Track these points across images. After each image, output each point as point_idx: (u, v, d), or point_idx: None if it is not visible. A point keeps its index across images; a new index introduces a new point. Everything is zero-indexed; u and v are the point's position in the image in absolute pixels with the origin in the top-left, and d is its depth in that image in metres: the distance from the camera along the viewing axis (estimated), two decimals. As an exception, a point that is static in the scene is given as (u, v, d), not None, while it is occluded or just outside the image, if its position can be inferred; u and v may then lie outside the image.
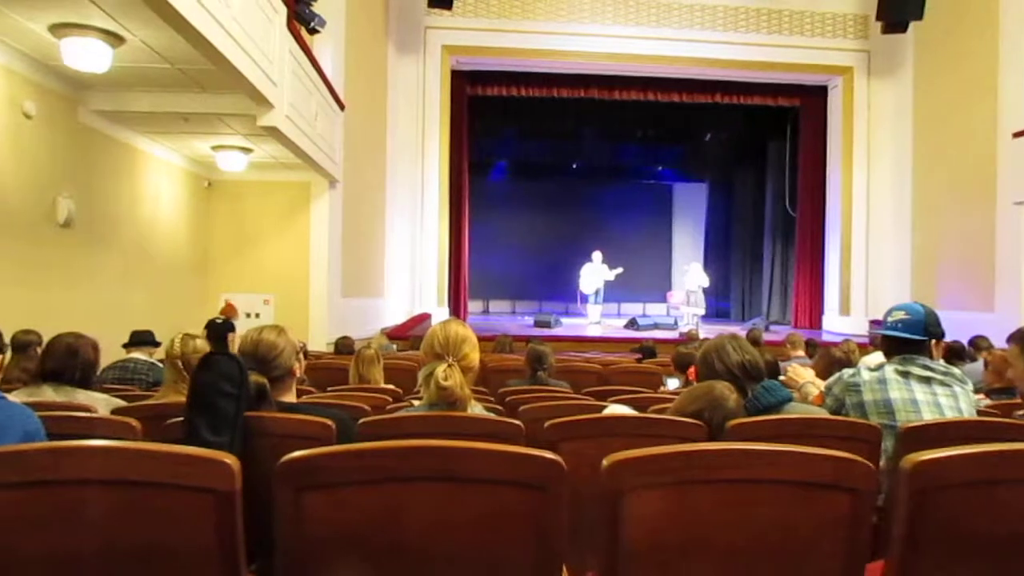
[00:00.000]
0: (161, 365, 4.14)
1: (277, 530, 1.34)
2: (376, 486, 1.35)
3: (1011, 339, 2.72)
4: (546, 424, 2.37)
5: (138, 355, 4.83)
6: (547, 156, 18.28)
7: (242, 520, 1.39)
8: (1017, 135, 9.95)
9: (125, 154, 7.79)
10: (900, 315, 2.83)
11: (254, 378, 2.17)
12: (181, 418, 2.04)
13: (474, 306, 17.21)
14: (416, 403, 2.67)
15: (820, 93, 14.17)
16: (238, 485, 1.34)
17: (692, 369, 3.51)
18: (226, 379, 1.99)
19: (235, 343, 8.77)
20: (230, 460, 1.34)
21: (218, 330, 8.50)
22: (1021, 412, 2.73)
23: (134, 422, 2.24)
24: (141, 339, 5.00)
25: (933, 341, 2.81)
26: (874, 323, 12.71)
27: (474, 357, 2.42)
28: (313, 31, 7.99)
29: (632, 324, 14.22)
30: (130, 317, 5.21)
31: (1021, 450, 1.50)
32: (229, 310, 9.03)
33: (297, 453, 1.33)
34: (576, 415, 2.53)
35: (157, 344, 5.10)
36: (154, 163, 8.42)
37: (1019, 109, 10.00)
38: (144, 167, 8.22)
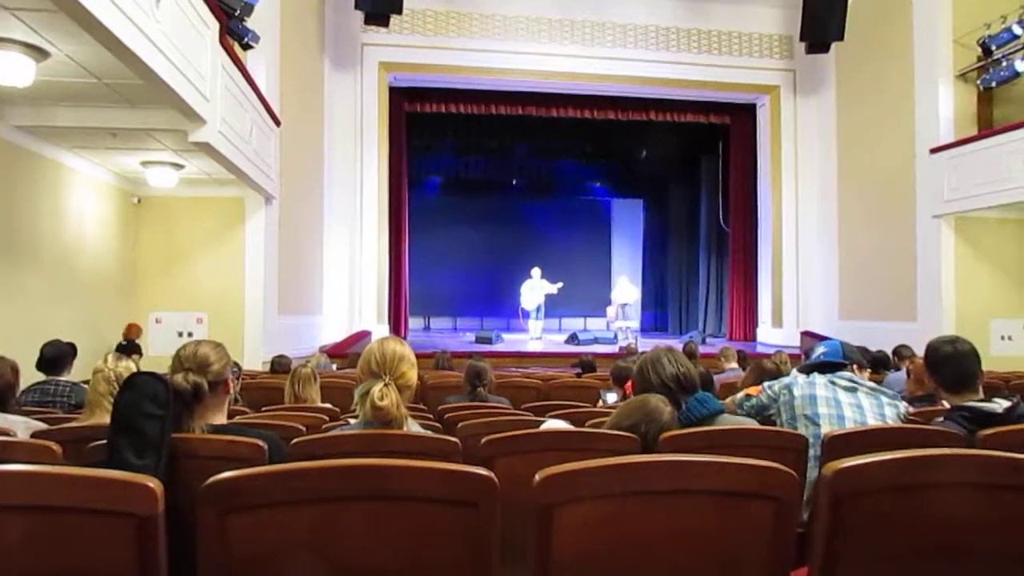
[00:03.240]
0: (83, 386, 3.97)
1: (199, 554, 1.30)
2: (304, 507, 1.33)
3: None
4: (482, 440, 2.37)
5: (58, 377, 4.58)
6: (486, 172, 18.33)
7: (166, 545, 1.35)
8: (934, 151, 10.43)
9: (49, 170, 7.52)
10: (822, 349, 3.22)
11: (192, 378, 2.12)
12: (104, 440, 1.97)
13: (415, 323, 17.08)
14: (352, 421, 2.64)
15: (748, 111, 14.60)
16: (160, 509, 1.30)
17: (629, 383, 3.56)
18: (151, 400, 1.93)
19: (140, 364, 8.45)
20: (152, 483, 1.30)
21: (124, 352, 8.31)
22: (940, 419, 2.85)
23: (54, 445, 2.15)
24: (55, 360, 4.66)
25: (855, 366, 3.13)
26: (805, 334, 13.10)
27: (411, 375, 2.40)
28: (247, 46, 7.88)
29: (572, 339, 14.32)
30: (53, 337, 4.97)
31: (935, 455, 1.57)
32: (130, 331, 8.77)
33: (221, 475, 1.30)
34: (513, 431, 2.54)
35: (73, 353, 4.82)
36: (80, 179, 8.15)
37: (934, 125, 10.50)
38: (69, 183, 7.95)
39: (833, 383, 2.94)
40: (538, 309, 14.82)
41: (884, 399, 2.93)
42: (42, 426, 2.84)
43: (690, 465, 1.42)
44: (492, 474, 1.36)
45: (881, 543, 1.54)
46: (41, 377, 4.61)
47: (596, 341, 13.99)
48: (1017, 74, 9.38)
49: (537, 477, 1.35)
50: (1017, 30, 9.29)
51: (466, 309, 18.95)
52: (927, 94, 10.67)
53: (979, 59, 10.10)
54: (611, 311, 14.99)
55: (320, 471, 1.34)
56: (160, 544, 1.32)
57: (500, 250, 18.55)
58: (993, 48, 9.75)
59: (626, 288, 14.78)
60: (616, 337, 14.18)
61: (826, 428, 2.77)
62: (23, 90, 5.66)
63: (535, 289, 14.78)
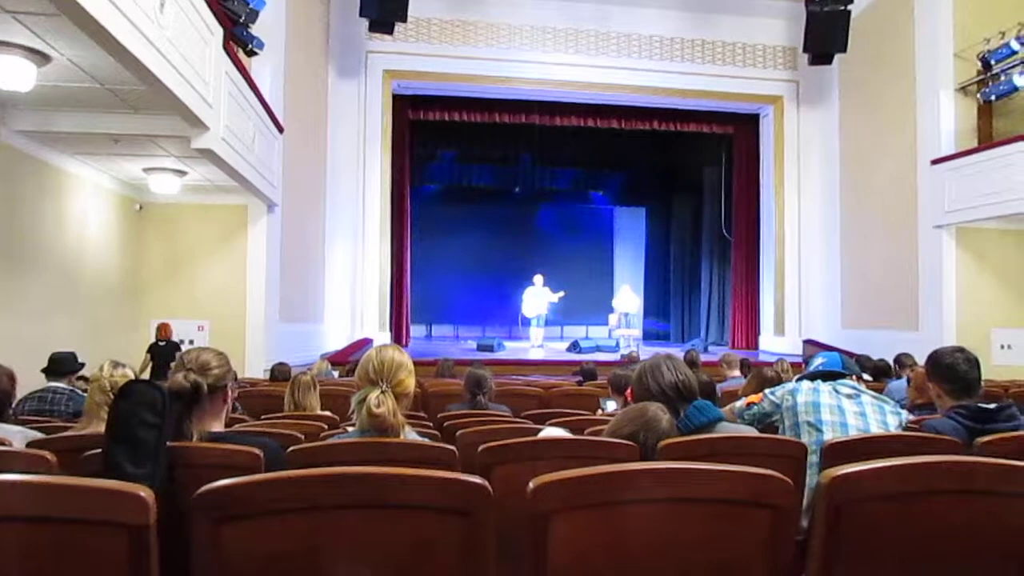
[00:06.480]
0: (82, 393, 3.97)
1: (193, 564, 1.29)
2: (298, 515, 1.32)
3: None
4: (480, 448, 2.36)
5: (57, 384, 4.60)
6: (489, 180, 18.31)
7: (159, 555, 1.34)
8: (935, 162, 10.44)
9: (50, 175, 7.53)
10: (820, 360, 3.30)
11: (193, 377, 2.13)
12: (100, 450, 1.96)
13: (417, 330, 17.06)
14: (350, 429, 2.63)
15: (752, 121, 14.61)
16: (153, 519, 1.29)
17: (630, 390, 3.54)
18: (147, 408, 1.91)
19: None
20: (144, 492, 1.29)
21: (165, 352, 8.16)
22: (939, 416, 2.89)
23: (49, 455, 2.13)
24: (62, 367, 4.73)
25: (853, 376, 3.19)
26: (808, 343, 13.09)
27: (409, 383, 2.39)
28: (251, 53, 7.89)
29: (574, 347, 14.30)
30: (54, 346, 4.97)
31: (931, 463, 1.56)
32: (166, 330, 8.69)
33: (215, 483, 1.29)
34: (511, 439, 2.52)
35: (80, 367, 4.87)
36: (82, 185, 8.16)
37: (935, 137, 10.52)
38: (71, 189, 7.96)
39: (836, 391, 2.95)
40: (539, 317, 14.79)
41: (887, 407, 2.93)
42: (38, 435, 2.82)
43: (686, 473, 1.41)
44: (486, 482, 1.35)
45: (879, 550, 1.53)
46: (42, 384, 4.63)
47: (598, 349, 13.97)
48: (1015, 88, 9.47)
49: (531, 485, 1.34)
50: (1015, 46, 9.40)
51: (468, 317, 18.91)
52: (929, 106, 10.70)
53: (979, 73, 10.15)
54: (613, 319, 14.98)
55: (314, 479, 1.33)
56: (152, 555, 1.31)
57: (503, 258, 18.51)
58: (992, 63, 9.84)
59: (628, 297, 14.76)
60: (618, 345, 14.15)
61: (829, 435, 2.78)
62: (25, 95, 5.69)
63: (537, 296, 14.75)
